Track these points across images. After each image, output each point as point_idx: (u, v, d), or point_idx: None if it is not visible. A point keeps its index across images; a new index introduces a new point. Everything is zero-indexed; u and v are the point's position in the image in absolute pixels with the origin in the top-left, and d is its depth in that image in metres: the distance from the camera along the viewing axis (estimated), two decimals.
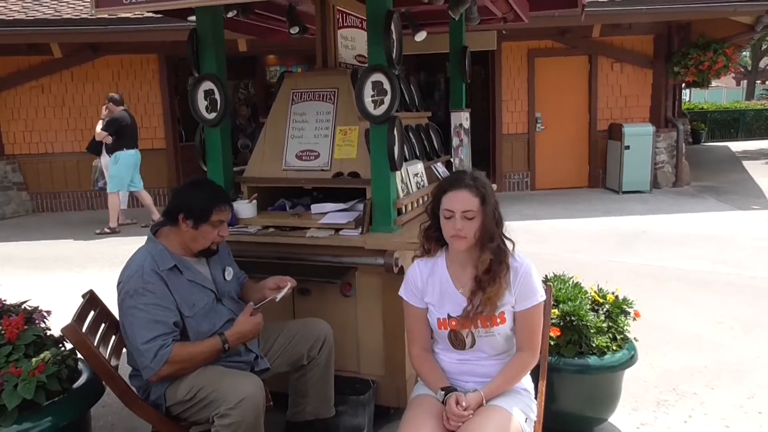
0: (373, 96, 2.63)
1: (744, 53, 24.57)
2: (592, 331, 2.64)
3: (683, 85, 11.44)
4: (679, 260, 5.68)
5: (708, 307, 4.46)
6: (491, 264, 1.94)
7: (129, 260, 2.27)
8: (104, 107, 7.81)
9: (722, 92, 29.91)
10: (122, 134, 7.66)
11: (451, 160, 3.89)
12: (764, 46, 24.95)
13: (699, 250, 6.01)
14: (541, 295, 2.00)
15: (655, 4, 8.50)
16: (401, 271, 2.60)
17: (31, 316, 2.53)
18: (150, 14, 6.64)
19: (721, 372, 3.42)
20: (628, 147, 9.13)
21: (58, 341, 2.48)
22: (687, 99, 22.44)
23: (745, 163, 13.01)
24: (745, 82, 29.40)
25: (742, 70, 26.77)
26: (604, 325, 2.70)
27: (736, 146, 16.75)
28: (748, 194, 9.14)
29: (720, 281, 5.05)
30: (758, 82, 29.37)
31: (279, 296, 2.38)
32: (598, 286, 2.93)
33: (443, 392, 1.95)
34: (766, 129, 19.76)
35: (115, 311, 2.58)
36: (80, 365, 2.47)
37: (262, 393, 2.18)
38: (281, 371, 2.53)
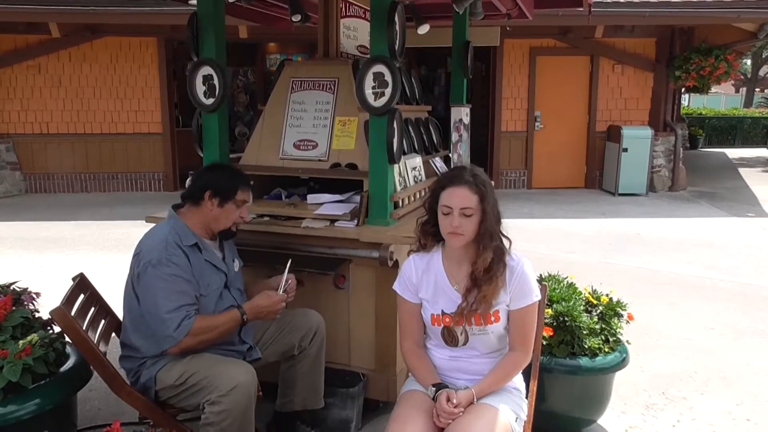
0: (373, 87, 2.59)
1: (744, 61, 24.63)
2: (584, 332, 2.63)
3: (682, 89, 11.44)
4: (672, 264, 5.69)
5: (699, 312, 4.47)
6: (491, 263, 1.92)
7: (150, 232, 2.29)
8: None
9: (721, 99, 29.98)
10: None
11: (450, 155, 3.87)
12: (765, 54, 25.04)
13: (692, 255, 6.03)
14: (536, 295, 1.98)
15: (659, 7, 8.48)
16: (396, 265, 2.58)
17: (19, 298, 2.51)
18: None
19: (710, 378, 3.42)
20: (626, 149, 9.14)
21: (46, 324, 2.46)
22: (686, 104, 22.45)
23: (742, 170, 13.05)
24: (744, 89, 29.51)
25: (742, 77, 26.86)
26: (597, 326, 2.70)
27: (733, 153, 16.79)
28: (743, 201, 9.17)
29: (712, 287, 5.06)
30: (757, 90, 29.49)
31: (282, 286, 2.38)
32: (592, 287, 2.93)
33: (434, 389, 1.93)
34: (764, 137, 19.84)
35: (105, 296, 2.56)
36: (68, 349, 2.45)
37: (254, 382, 2.16)
38: (271, 361, 2.51)
